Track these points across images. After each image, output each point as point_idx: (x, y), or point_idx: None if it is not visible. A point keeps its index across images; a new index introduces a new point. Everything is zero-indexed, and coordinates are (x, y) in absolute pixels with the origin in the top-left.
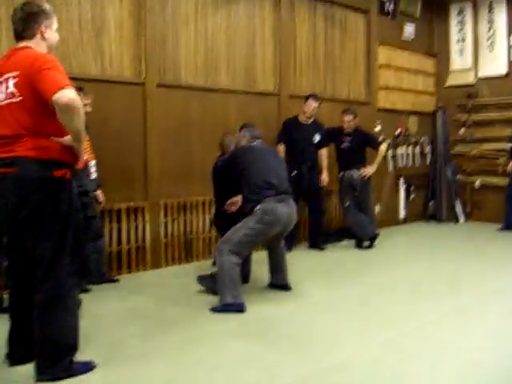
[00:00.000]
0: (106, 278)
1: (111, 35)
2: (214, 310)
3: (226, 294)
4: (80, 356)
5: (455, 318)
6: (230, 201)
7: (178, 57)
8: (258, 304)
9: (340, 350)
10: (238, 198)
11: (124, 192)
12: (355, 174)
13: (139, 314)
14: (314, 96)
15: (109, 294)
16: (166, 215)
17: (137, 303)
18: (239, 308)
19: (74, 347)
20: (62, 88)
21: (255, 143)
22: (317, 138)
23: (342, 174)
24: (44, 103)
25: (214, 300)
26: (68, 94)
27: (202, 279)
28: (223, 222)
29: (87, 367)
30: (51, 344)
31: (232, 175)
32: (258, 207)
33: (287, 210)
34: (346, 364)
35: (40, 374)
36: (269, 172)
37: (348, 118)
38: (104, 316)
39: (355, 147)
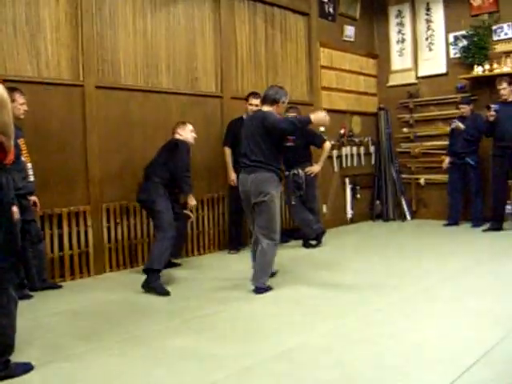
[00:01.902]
0: (48, 284)
1: (47, 36)
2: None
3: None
4: (19, 358)
5: (401, 306)
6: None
7: (117, 58)
8: (201, 302)
9: (286, 340)
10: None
11: (64, 196)
12: (300, 172)
13: (81, 316)
14: (253, 93)
15: (50, 299)
16: (108, 219)
17: (79, 307)
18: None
19: (9, 346)
20: None
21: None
22: None
23: (287, 172)
24: None
25: (158, 303)
26: None
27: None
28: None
29: (25, 368)
30: None
31: None
32: None
33: (250, 176)
34: (290, 353)
35: None
36: (246, 147)
37: (291, 116)
38: (44, 319)
39: (299, 146)
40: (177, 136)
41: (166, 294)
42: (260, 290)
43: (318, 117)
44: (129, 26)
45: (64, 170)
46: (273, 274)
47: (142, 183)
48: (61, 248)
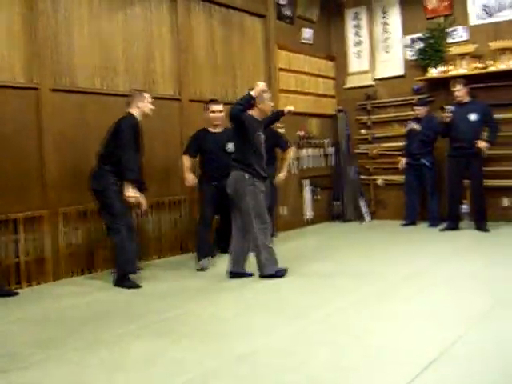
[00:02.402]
0: (3, 292)
1: (1, 38)
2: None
3: None
4: None
5: (360, 307)
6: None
7: (73, 60)
8: (162, 305)
9: (248, 342)
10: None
11: (20, 201)
12: None
13: (39, 323)
14: (213, 100)
15: (7, 306)
16: (66, 224)
17: (36, 314)
18: None
19: None
20: None
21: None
22: (229, 146)
23: None
24: None
25: (118, 307)
26: None
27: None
28: None
29: None
30: None
31: None
32: None
33: (230, 175)
34: (253, 355)
35: None
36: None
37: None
38: (0, 327)
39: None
40: (132, 109)
41: (137, 286)
42: (269, 275)
43: (258, 89)
44: (85, 28)
45: (19, 174)
46: (248, 275)
47: (94, 169)
48: (17, 254)
